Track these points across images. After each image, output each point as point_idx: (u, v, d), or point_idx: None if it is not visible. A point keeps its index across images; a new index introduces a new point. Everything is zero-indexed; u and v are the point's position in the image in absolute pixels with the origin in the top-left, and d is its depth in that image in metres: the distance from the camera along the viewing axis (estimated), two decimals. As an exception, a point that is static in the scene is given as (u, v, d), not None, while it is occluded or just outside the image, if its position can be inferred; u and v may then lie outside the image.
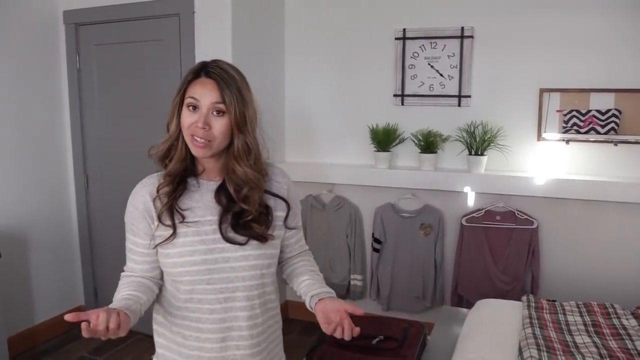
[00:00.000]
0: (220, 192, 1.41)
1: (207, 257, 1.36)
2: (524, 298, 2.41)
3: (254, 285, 1.41)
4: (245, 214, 1.38)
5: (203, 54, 2.99)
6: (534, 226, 3.10)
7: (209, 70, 1.35)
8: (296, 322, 3.69)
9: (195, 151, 1.36)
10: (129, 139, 3.28)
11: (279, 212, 1.47)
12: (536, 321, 2.12)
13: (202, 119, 1.31)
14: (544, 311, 2.25)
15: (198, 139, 1.33)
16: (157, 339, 1.50)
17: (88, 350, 3.27)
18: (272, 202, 1.45)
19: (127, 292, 1.37)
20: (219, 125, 1.33)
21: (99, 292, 3.60)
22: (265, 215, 1.42)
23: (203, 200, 1.40)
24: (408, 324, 2.36)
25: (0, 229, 3.02)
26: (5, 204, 3.11)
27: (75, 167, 3.50)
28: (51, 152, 3.40)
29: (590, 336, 2.01)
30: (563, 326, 2.11)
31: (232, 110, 1.32)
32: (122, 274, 1.46)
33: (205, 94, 1.32)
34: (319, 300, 1.42)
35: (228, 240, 1.37)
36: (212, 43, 3.01)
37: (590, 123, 2.95)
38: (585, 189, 2.90)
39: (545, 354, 1.86)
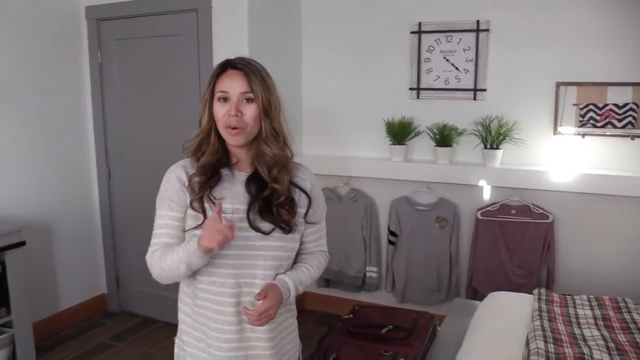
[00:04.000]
0: (251, 182, 1.50)
1: (232, 243, 1.42)
2: (536, 291, 2.41)
3: (272, 274, 1.49)
4: (276, 196, 1.47)
5: (220, 48, 3.05)
6: (550, 220, 3.09)
7: (234, 62, 1.47)
8: (312, 313, 3.74)
9: (230, 139, 1.46)
10: (149, 132, 3.36)
11: (301, 209, 1.54)
12: (545, 314, 2.13)
13: (234, 107, 1.42)
14: (555, 304, 2.26)
15: (232, 127, 1.42)
16: (182, 316, 1.59)
17: (109, 337, 3.38)
18: (297, 196, 1.53)
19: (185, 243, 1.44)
20: (249, 111, 1.43)
21: (120, 280, 3.70)
22: (291, 206, 1.50)
23: (233, 189, 1.49)
24: (418, 315, 2.40)
25: (27, 219, 3.13)
26: (31, 195, 3.22)
27: (97, 159, 3.60)
28: (75, 144, 3.51)
29: (599, 329, 2.02)
30: (572, 319, 2.12)
31: (259, 96, 1.43)
32: (155, 249, 1.49)
33: (233, 84, 1.44)
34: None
35: (255, 228, 1.45)
36: (229, 37, 3.06)
37: (607, 117, 2.93)
38: (601, 183, 2.89)
39: (552, 345, 1.88)
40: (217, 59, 1.54)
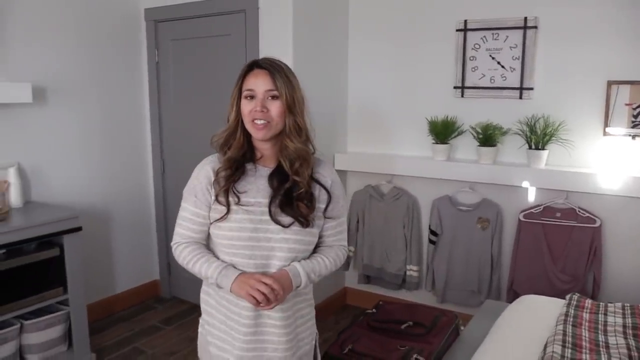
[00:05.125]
0: (273, 176, 1.59)
1: (252, 235, 1.54)
2: (568, 296, 2.33)
3: (287, 265, 1.57)
4: (296, 189, 1.56)
5: (266, 47, 3.15)
6: (597, 225, 2.96)
7: (260, 62, 1.57)
8: (353, 309, 3.78)
9: (256, 134, 1.56)
10: (200, 128, 3.52)
11: (321, 204, 1.63)
12: (571, 319, 2.07)
13: (260, 103, 1.53)
14: (585, 310, 2.18)
15: (258, 122, 1.53)
16: (206, 298, 1.71)
17: (159, 320, 3.59)
18: (317, 191, 1.62)
19: (217, 260, 1.59)
20: (275, 107, 1.53)
21: (172, 268, 3.91)
22: (310, 200, 1.58)
23: (257, 183, 1.59)
24: (440, 313, 2.39)
25: (86, 207, 3.38)
26: (91, 185, 3.47)
27: (153, 153, 3.83)
28: (133, 139, 3.74)
29: (625, 338, 1.93)
30: (600, 326, 2.04)
31: (283, 93, 1.53)
32: (180, 241, 1.65)
33: (259, 83, 1.53)
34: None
35: (275, 221, 1.54)
36: (274, 37, 3.15)
37: (661, 117, 2.78)
38: (652, 187, 2.74)
39: (569, 350, 1.82)
40: (264, 58, 1.64)
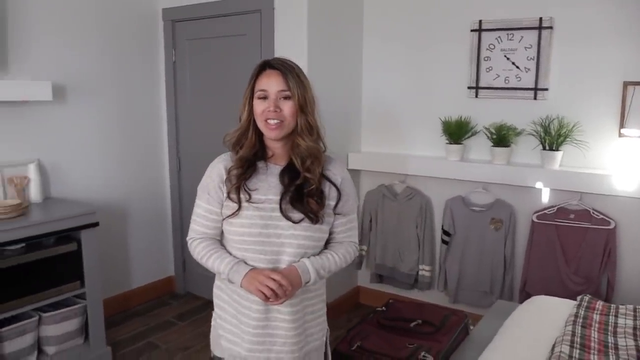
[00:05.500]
0: (284, 173, 1.63)
1: (263, 231, 1.58)
2: (579, 297, 2.33)
3: (297, 261, 1.60)
4: (307, 185, 1.59)
5: (281, 47, 3.18)
6: (611, 227, 2.94)
7: (272, 63, 1.61)
8: (366, 308, 3.79)
9: (269, 134, 1.60)
10: (216, 126, 3.54)
11: (331, 201, 1.66)
12: (581, 320, 2.06)
13: (273, 104, 1.56)
14: (595, 312, 2.17)
15: (271, 122, 1.56)
16: (218, 292, 1.75)
17: (173, 316, 3.64)
18: (326, 189, 1.65)
19: (230, 256, 1.63)
20: (288, 107, 1.57)
21: (186, 265, 3.96)
22: (320, 197, 1.62)
23: (268, 181, 1.63)
24: (450, 312, 2.39)
25: (103, 203, 3.45)
26: (110, 182, 3.54)
27: (169, 151, 3.89)
28: (150, 137, 3.80)
29: (635, 340, 1.92)
30: (610, 328, 2.03)
31: (295, 93, 1.56)
32: (195, 237, 1.70)
33: (271, 83, 1.57)
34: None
35: (286, 217, 1.57)
36: (289, 36, 3.18)
37: (678, 119, 2.75)
38: (668, 189, 2.71)
39: (577, 351, 1.82)
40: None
